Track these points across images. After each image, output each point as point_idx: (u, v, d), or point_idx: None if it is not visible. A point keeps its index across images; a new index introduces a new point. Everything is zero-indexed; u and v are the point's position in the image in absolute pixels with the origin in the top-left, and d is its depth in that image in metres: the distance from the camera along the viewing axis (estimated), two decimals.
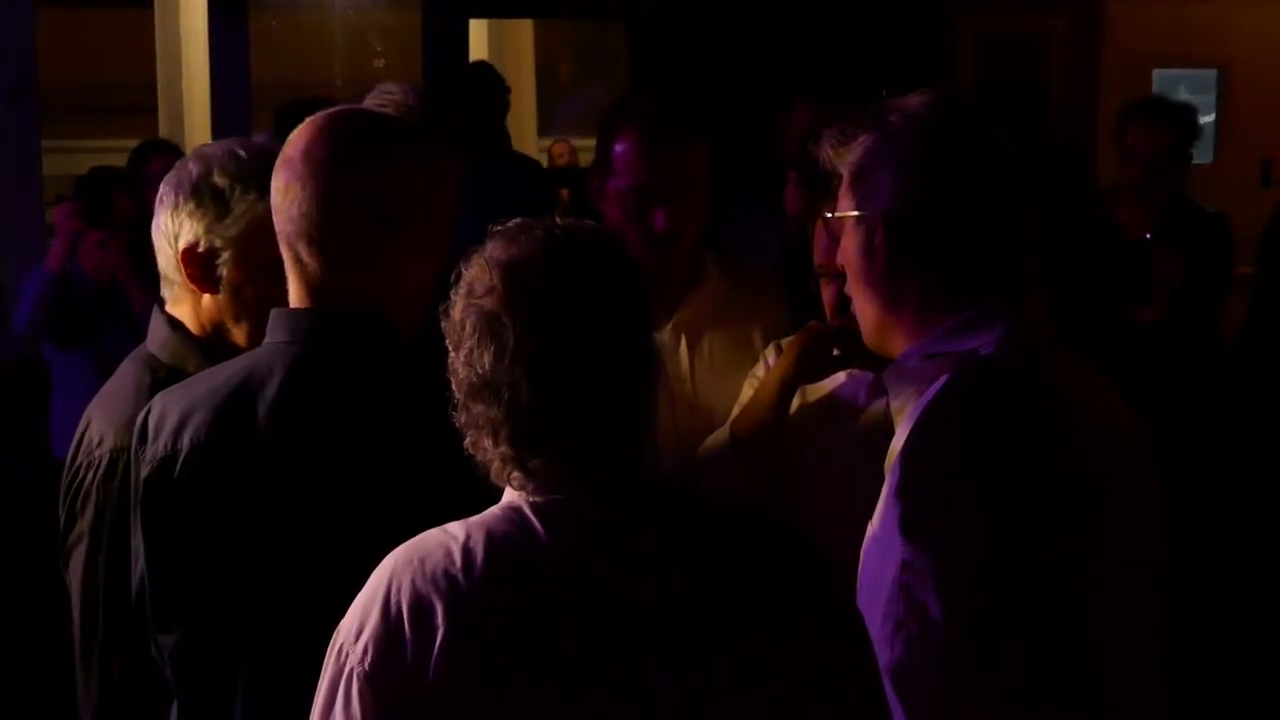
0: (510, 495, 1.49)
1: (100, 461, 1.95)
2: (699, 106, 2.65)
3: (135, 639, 1.83)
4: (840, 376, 2.37)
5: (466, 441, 1.48)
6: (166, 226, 2.02)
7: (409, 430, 1.70)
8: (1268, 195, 5.28)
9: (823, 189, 1.94)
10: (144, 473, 1.76)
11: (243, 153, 2.02)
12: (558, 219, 1.51)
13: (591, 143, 2.69)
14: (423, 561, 1.42)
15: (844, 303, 2.00)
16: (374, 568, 1.46)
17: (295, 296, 1.79)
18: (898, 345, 1.80)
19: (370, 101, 2.10)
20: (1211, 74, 7.42)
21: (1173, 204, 4.15)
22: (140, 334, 2.12)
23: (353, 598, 1.46)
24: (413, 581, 1.41)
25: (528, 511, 1.46)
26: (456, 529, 1.45)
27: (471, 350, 1.45)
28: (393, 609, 1.40)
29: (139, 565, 1.78)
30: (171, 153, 4.65)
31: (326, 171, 1.74)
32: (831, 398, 2.39)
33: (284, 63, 7.58)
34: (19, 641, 4.12)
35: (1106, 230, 4.12)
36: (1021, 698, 1.63)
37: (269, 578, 1.72)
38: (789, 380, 2.33)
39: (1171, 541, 1.80)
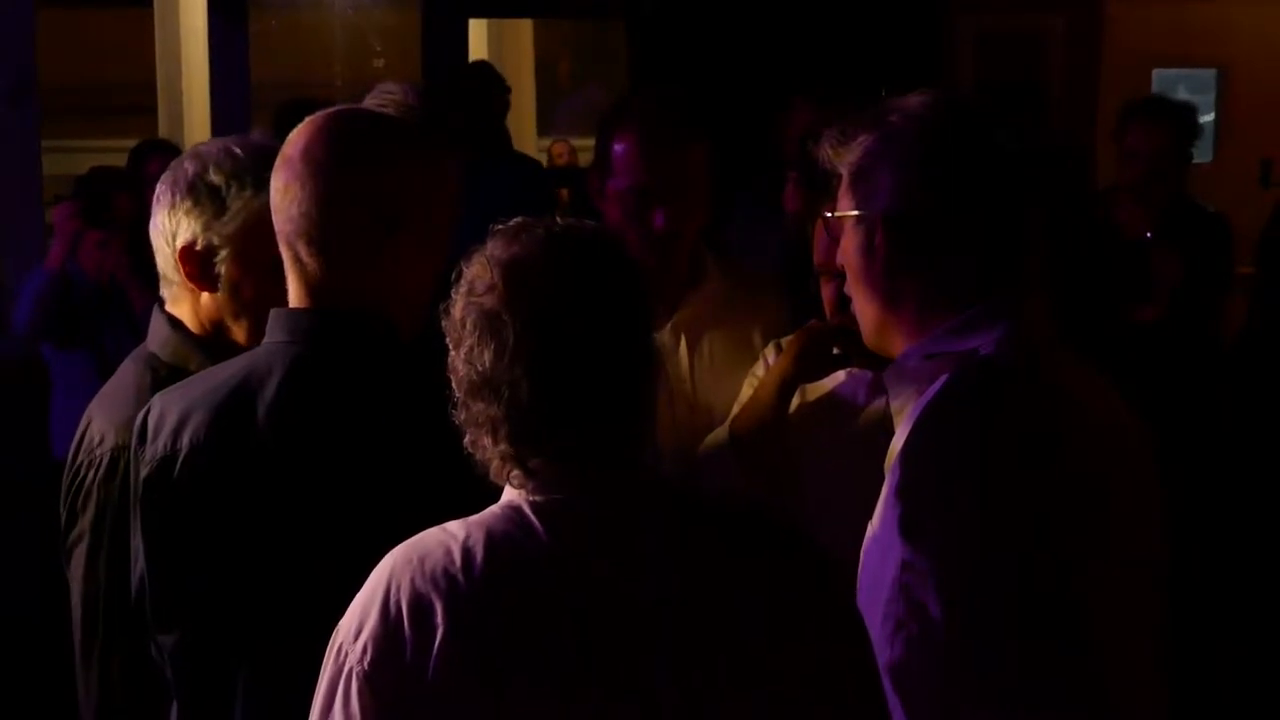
0: (510, 494, 1.49)
1: (101, 460, 1.95)
2: (699, 106, 2.65)
3: (135, 639, 1.83)
4: (840, 375, 2.37)
5: (466, 440, 1.48)
6: (164, 225, 2.02)
7: (409, 430, 1.70)
8: (1267, 195, 5.28)
9: (823, 189, 1.94)
10: (143, 472, 1.76)
11: (238, 150, 2.02)
12: (558, 219, 1.51)
13: (591, 143, 2.69)
14: (422, 561, 1.42)
15: (844, 302, 2.00)
16: (373, 567, 1.46)
17: (295, 296, 1.79)
18: (897, 345, 1.80)
19: (370, 101, 2.10)
20: (1211, 74, 7.42)
21: (1173, 204, 4.15)
22: (140, 334, 2.12)
23: (352, 597, 1.46)
24: (412, 581, 1.41)
25: (527, 511, 1.46)
26: (456, 528, 1.45)
27: (472, 348, 1.45)
28: (392, 608, 1.40)
29: (138, 565, 1.78)
30: (171, 152, 4.64)
31: (326, 171, 1.74)
32: (831, 397, 2.39)
33: (284, 63, 7.59)
34: (19, 641, 4.12)
35: (1106, 230, 4.12)
36: (1021, 698, 1.63)
37: (268, 578, 1.72)
38: (789, 379, 2.33)
39: (1171, 541, 1.80)
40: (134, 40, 7.70)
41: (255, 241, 1.94)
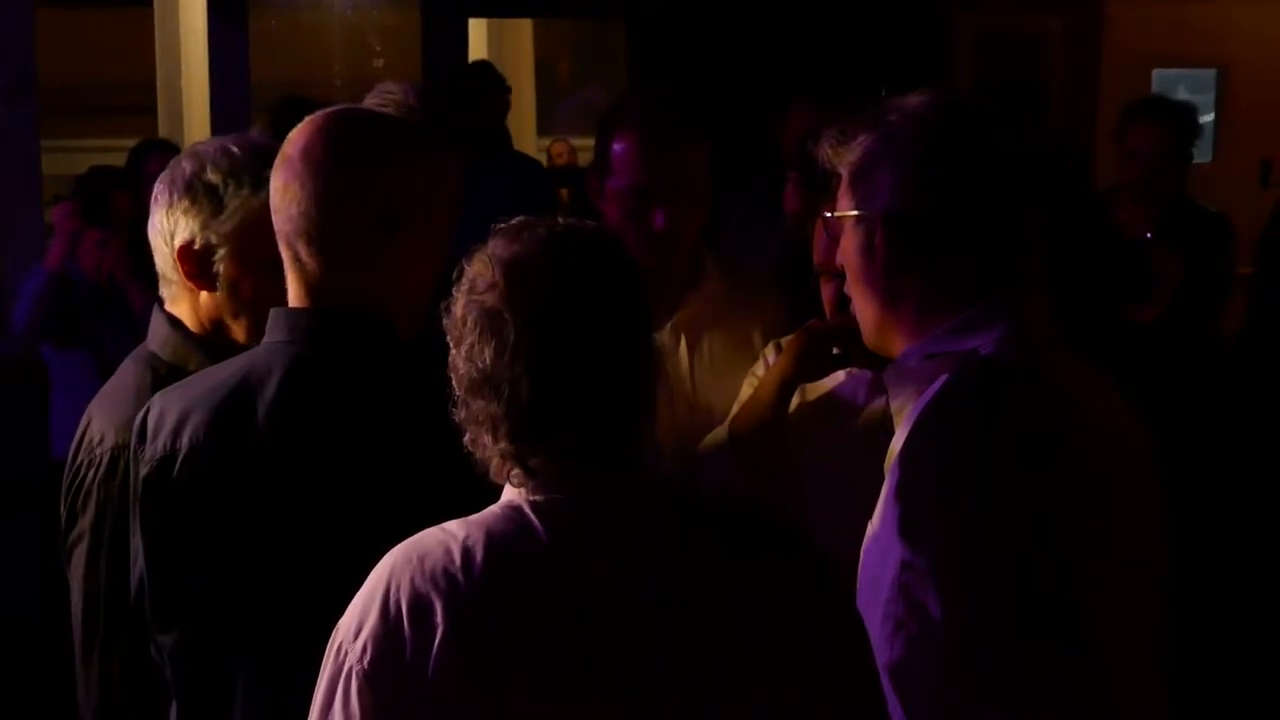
0: (510, 494, 1.49)
1: (101, 460, 1.95)
2: (699, 106, 2.65)
3: (135, 639, 1.83)
4: (840, 375, 2.37)
5: (466, 438, 1.48)
6: (162, 225, 2.02)
7: (408, 430, 1.70)
8: (1267, 195, 5.28)
9: (822, 189, 1.94)
10: (143, 472, 1.76)
11: (236, 149, 2.02)
12: (559, 219, 1.51)
13: (591, 142, 2.69)
14: (422, 560, 1.42)
15: (844, 302, 2.00)
16: (373, 567, 1.46)
17: (294, 296, 1.79)
18: (897, 345, 1.80)
19: (370, 101, 2.11)
20: (1211, 74, 7.43)
21: (1173, 204, 4.15)
22: (140, 333, 2.12)
23: (352, 597, 1.46)
24: (412, 580, 1.41)
25: (527, 510, 1.46)
26: (456, 527, 1.45)
27: (472, 346, 1.45)
28: (392, 607, 1.40)
29: (138, 565, 1.78)
30: (170, 152, 4.64)
31: (326, 171, 1.74)
32: (831, 396, 2.39)
33: (284, 62, 7.58)
34: (19, 641, 4.12)
35: (1106, 230, 4.12)
36: (1021, 698, 1.63)
37: (268, 577, 1.72)
38: (788, 379, 2.32)
39: (1171, 541, 1.80)
40: (134, 40, 7.69)
41: (253, 240, 1.94)
